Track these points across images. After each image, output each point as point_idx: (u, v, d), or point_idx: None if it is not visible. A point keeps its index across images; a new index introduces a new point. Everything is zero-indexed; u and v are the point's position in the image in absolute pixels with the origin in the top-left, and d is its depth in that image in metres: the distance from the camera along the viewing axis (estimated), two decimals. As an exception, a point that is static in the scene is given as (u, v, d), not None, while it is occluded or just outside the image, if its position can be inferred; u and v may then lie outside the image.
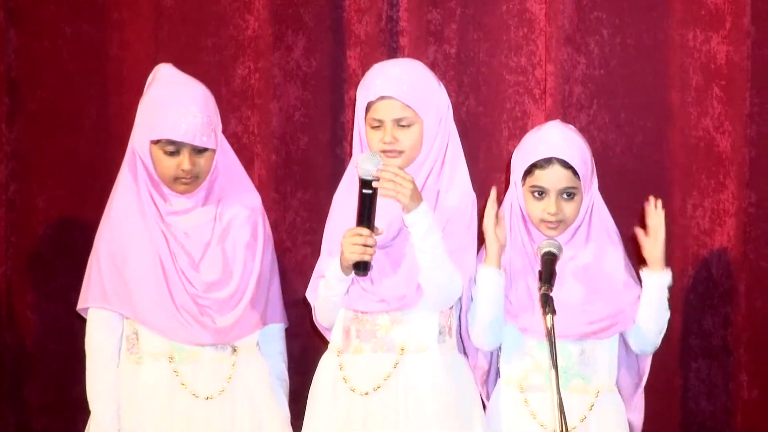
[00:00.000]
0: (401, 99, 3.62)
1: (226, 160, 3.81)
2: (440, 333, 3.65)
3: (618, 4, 4.30)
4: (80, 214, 4.53)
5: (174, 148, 3.66)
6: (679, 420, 4.29)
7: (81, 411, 4.34)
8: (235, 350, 3.73)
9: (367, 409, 3.61)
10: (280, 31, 4.38)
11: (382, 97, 3.63)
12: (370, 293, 3.63)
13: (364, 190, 3.52)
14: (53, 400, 4.56)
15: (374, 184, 3.52)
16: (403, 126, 3.63)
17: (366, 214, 3.53)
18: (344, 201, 3.72)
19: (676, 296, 4.21)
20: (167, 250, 3.69)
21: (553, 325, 3.29)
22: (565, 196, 3.65)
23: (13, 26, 4.51)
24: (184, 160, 3.66)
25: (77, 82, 4.52)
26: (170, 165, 3.68)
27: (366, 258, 3.53)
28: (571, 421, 3.52)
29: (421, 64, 3.79)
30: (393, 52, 4.33)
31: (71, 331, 4.44)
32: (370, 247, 3.51)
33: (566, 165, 3.63)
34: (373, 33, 4.35)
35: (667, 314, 3.69)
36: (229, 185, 3.78)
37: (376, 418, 3.61)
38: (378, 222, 3.57)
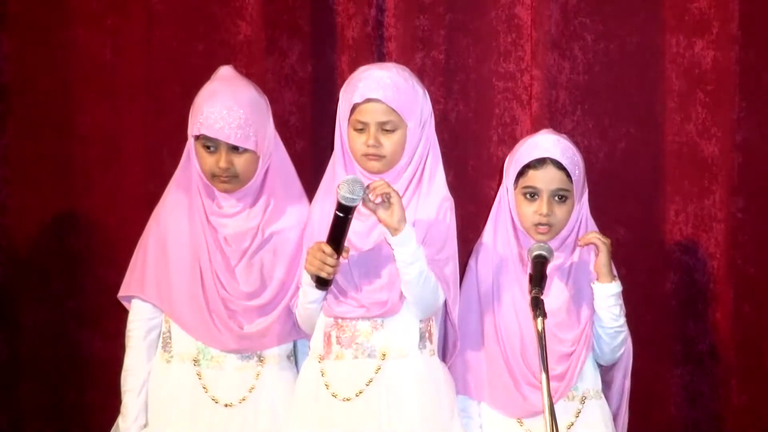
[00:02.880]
0: (388, 102, 3.53)
1: (280, 170, 3.71)
2: (421, 339, 3.56)
3: (602, 9, 4.22)
4: (73, 218, 4.47)
5: (212, 144, 3.59)
6: (662, 427, 4.21)
7: (75, 416, 4.44)
8: (261, 361, 3.64)
9: (349, 415, 3.52)
10: (274, 37, 4.32)
11: (369, 100, 3.54)
12: (350, 299, 3.54)
13: (339, 213, 3.43)
14: (46, 405, 4.49)
15: (365, 201, 3.43)
16: (387, 130, 3.55)
17: (336, 236, 3.43)
18: (322, 207, 3.63)
19: (657, 302, 4.20)
20: (206, 251, 3.62)
21: (543, 328, 3.20)
22: (557, 198, 3.57)
23: (4, 31, 4.44)
24: (221, 158, 3.58)
25: (69, 87, 4.45)
26: (209, 162, 3.60)
27: (322, 274, 3.45)
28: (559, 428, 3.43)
29: (407, 69, 3.69)
30: (381, 58, 4.26)
31: (65, 336, 4.46)
32: (330, 266, 3.43)
33: (560, 167, 3.57)
34: (359, 38, 4.28)
35: (620, 329, 3.59)
36: (279, 196, 3.69)
37: (358, 424, 3.51)
38: (358, 226, 3.50)
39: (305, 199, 3.73)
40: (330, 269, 3.42)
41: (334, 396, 3.52)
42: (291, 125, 4.33)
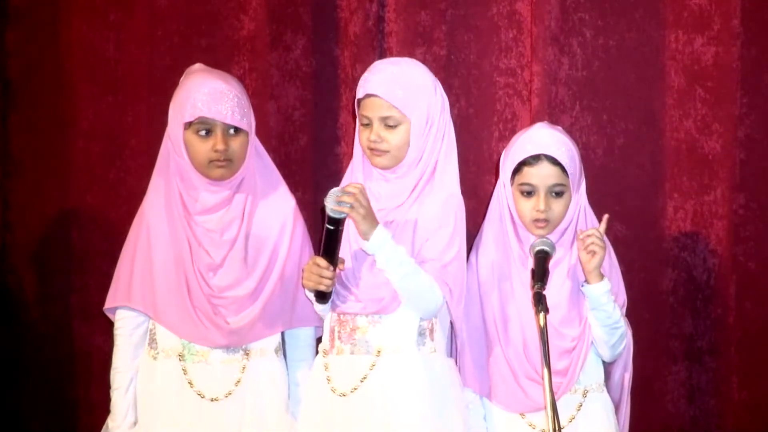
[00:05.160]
0: (386, 98, 3.49)
1: (260, 160, 3.68)
2: (420, 335, 3.50)
3: (601, 5, 4.17)
4: (76, 213, 4.43)
5: (207, 128, 3.54)
6: (660, 423, 4.15)
7: (77, 413, 4.42)
8: (247, 354, 3.59)
9: (347, 410, 3.49)
10: (278, 31, 4.28)
11: (369, 95, 3.51)
12: (350, 294, 3.51)
13: (329, 226, 3.38)
14: (49, 401, 4.45)
15: (336, 207, 3.36)
16: (390, 126, 3.50)
17: (329, 249, 3.40)
18: None
19: (655, 299, 4.15)
20: (188, 251, 3.58)
21: (546, 323, 3.14)
22: (553, 194, 3.52)
23: (8, 26, 4.40)
24: (217, 140, 3.53)
25: (73, 82, 4.41)
26: (204, 148, 3.54)
27: (321, 288, 3.42)
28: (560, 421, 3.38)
29: (420, 63, 3.64)
30: (382, 53, 4.22)
31: (68, 331, 4.42)
32: (327, 278, 3.40)
33: (554, 162, 3.51)
34: (360, 33, 4.23)
35: (615, 325, 3.51)
36: (260, 185, 3.65)
37: (355, 419, 3.47)
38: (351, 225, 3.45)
39: (284, 186, 3.70)
40: (328, 282, 3.39)
41: (333, 391, 3.49)
42: (295, 120, 4.29)
